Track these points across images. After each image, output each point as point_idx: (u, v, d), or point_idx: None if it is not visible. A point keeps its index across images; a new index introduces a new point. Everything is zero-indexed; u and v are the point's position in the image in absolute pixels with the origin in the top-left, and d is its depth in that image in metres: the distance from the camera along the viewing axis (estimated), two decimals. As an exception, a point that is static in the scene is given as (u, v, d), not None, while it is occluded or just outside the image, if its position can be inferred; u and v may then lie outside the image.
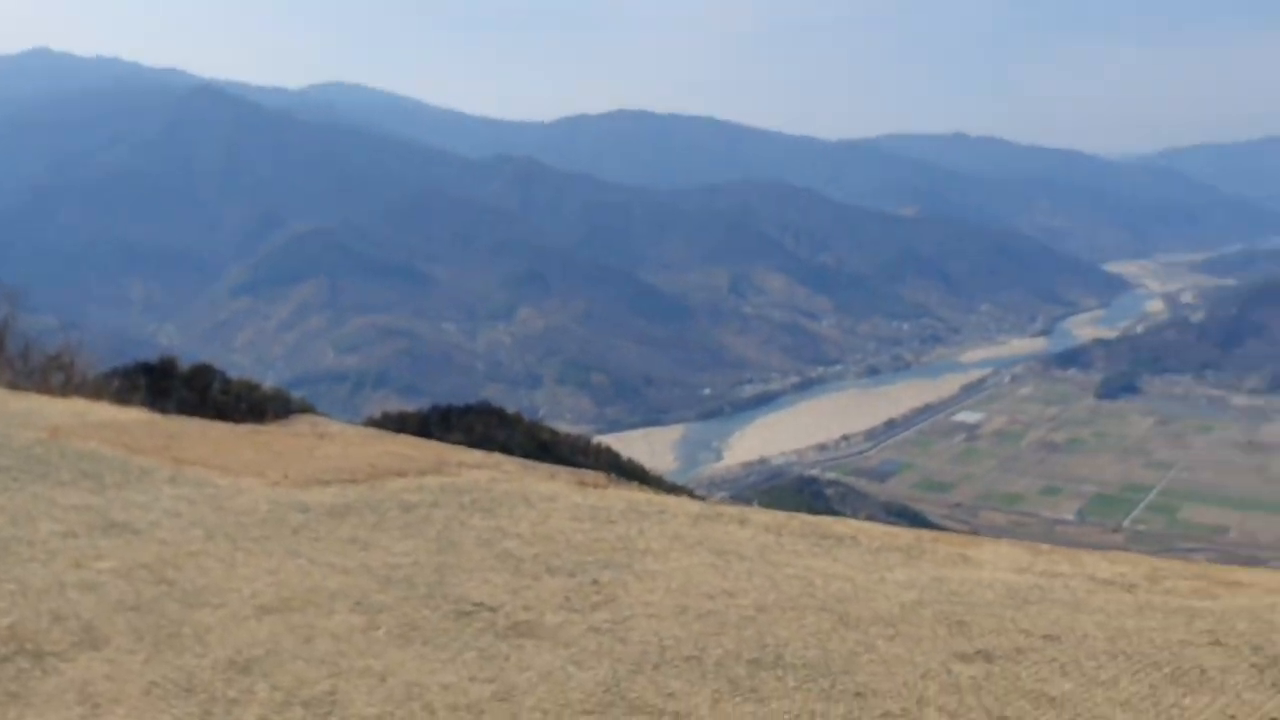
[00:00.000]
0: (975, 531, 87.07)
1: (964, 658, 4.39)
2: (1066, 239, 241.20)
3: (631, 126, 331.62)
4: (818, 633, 4.69)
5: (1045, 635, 4.68)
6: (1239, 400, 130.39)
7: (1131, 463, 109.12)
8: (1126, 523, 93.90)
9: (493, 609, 4.98)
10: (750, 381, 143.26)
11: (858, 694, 4.01)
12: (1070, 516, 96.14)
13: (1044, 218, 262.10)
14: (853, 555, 6.09)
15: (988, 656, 4.41)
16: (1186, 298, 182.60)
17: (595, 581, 5.41)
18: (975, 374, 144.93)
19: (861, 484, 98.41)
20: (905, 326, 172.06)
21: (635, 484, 9.41)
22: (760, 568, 5.73)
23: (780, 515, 7.15)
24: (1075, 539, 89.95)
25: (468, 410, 51.29)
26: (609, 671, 4.24)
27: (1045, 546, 6.87)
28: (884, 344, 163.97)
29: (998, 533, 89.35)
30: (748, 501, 74.65)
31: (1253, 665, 4.29)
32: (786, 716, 3.81)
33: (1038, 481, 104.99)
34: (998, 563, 6.08)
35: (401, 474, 8.01)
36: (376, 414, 48.85)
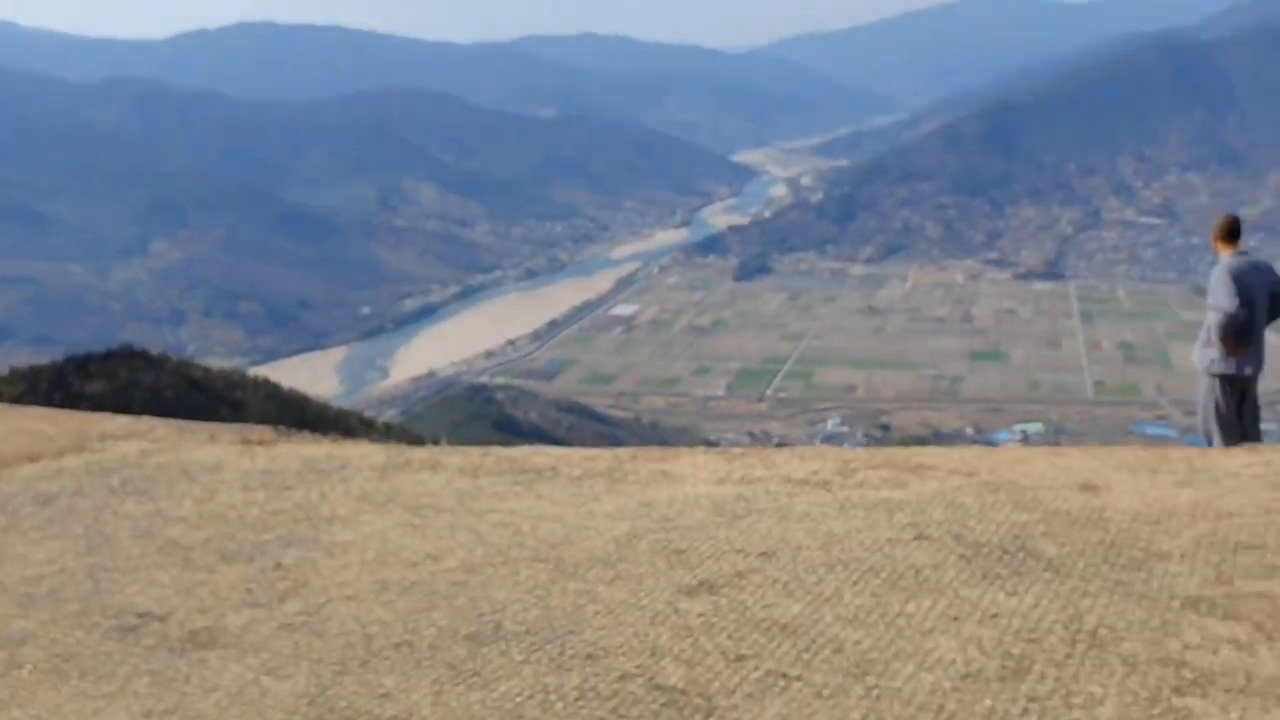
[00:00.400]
0: (638, 417, 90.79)
1: (689, 591, 4.21)
2: (696, 132, 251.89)
3: (255, 40, 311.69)
4: (536, 588, 4.35)
5: (761, 553, 4.60)
6: (857, 270, 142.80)
7: (769, 337, 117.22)
8: (769, 392, 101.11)
9: (162, 618, 4.27)
10: (410, 295, 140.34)
11: (589, 656, 3.70)
12: (720, 392, 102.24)
13: (674, 113, 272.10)
14: (556, 489, 5.79)
15: (711, 587, 4.25)
16: (806, 181, 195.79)
17: (279, 565, 4.77)
18: (626, 268, 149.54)
19: (531, 385, 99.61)
20: (558, 228, 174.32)
21: (307, 434, 8.58)
22: (462, 520, 5.29)
23: (474, 454, 6.71)
24: (726, 411, 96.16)
25: (108, 356, 47.06)
26: (310, 677, 3.68)
27: (737, 450, 6.90)
28: (539, 246, 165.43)
29: (658, 415, 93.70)
30: (419, 416, 73.64)
31: (960, 557, 4.39)
32: (518, 699, 3.45)
33: (690, 364, 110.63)
34: (698, 475, 6.02)
35: (34, 457, 6.86)
36: (3, 371, 43.56)
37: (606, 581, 4.36)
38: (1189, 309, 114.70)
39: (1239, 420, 7.62)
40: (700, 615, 3.97)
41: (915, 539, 4.67)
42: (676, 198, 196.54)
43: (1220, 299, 7.24)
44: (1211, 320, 7.39)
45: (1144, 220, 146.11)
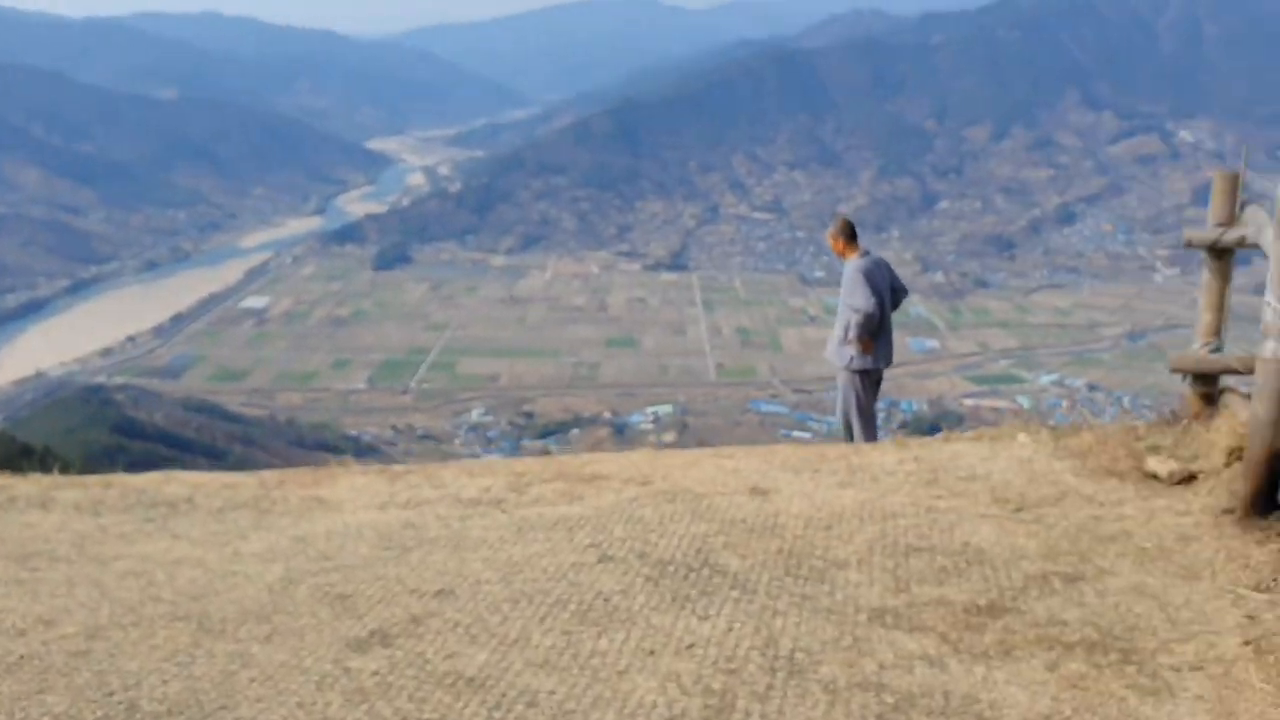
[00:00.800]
0: (273, 415, 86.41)
1: (359, 646, 3.77)
2: (329, 119, 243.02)
3: None
4: (176, 654, 3.72)
5: (438, 592, 4.23)
6: (497, 261, 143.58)
7: (412, 327, 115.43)
8: (414, 384, 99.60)
9: None
10: (12, 290, 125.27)
11: (246, 737, 3.19)
12: (362, 385, 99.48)
13: (306, 98, 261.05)
14: (195, 526, 5.09)
15: (385, 638, 3.83)
16: (444, 170, 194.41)
17: None
18: (257, 258, 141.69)
19: (155, 384, 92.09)
20: (181, 215, 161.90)
21: None
22: (83, 571, 4.49)
23: (94, 486, 5.78)
24: (368, 405, 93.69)
25: None
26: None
27: (399, 468, 6.50)
28: (160, 235, 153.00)
29: (295, 411, 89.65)
30: (25, 422, 65.90)
31: (647, 579, 4.27)
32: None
33: (329, 356, 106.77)
34: (357, 500, 5.56)
35: None
36: None
37: (261, 640, 3.82)
38: (796, 296, 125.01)
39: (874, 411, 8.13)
40: (374, 674, 3.55)
41: (600, 561, 4.52)
42: (310, 185, 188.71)
43: (858, 300, 7.65)
44: (851, 319, 7.73)
45: (757, 215, 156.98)
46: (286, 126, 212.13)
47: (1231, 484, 5.32)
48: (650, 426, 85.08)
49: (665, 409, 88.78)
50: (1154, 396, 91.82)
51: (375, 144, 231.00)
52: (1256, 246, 6.11)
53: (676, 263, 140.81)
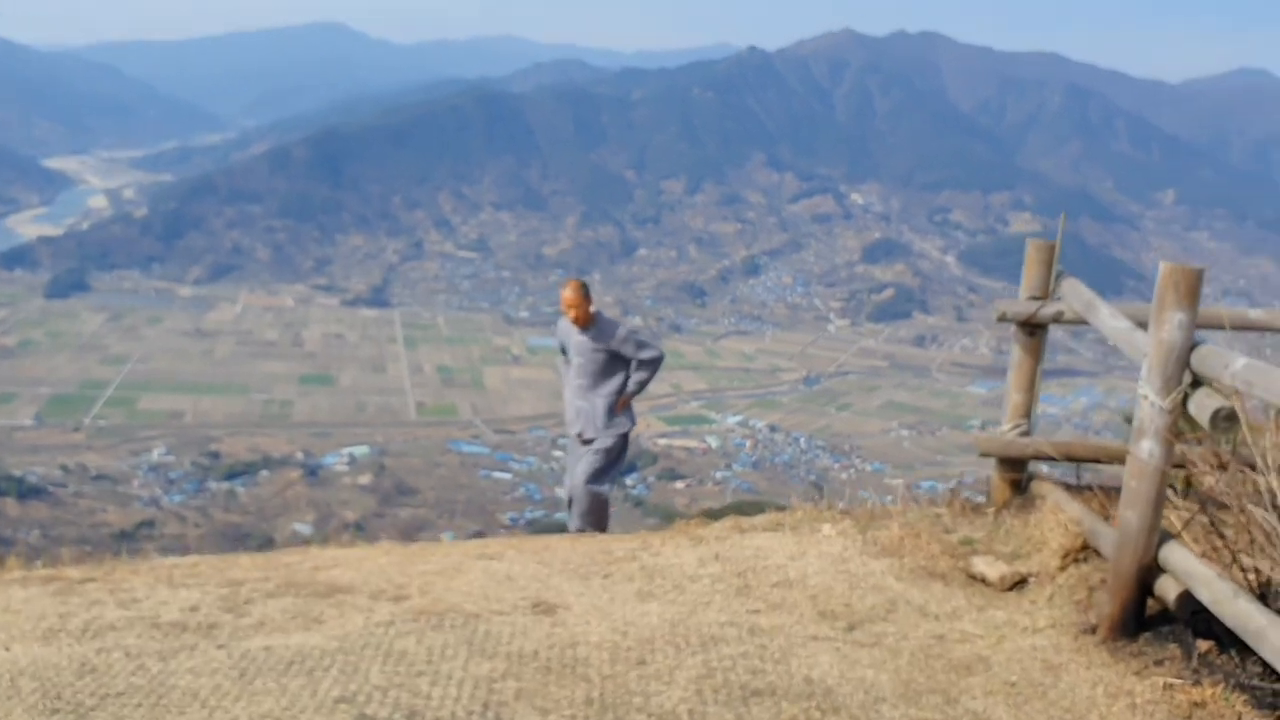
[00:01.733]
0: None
1: None
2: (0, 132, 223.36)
3: None
4: None
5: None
6: (185, 291, 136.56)
7: (88, 360, 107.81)
8: (88, 420, 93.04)
9: None
10: None
11: None
12: (29, 421, 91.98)
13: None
14: None
15: None
16: (129, 194, 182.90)
17: None
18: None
19: None
20: None
21: None
22: None
23: None
24: (36, 442, 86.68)
25: None
26: None
27: (73, 573, 5.14)
28: None
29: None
30: None
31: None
32: None
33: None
34: (12, 626, 4.30)
35: None
36: None
37: None
38: (500, 335, 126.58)
39: None
40: None
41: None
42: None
43: (650, 352, 7.48)
44: (634, 378, 7.46)
45: (462, 254, 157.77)
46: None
47: (1075, 593, 4.90)
48: (345, 468, 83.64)
49: (362, 450, 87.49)
50: (827, 438, 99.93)
51: (53, 162, 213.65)
52: (1080, 323, 5.70)
53: (378, 298, 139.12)
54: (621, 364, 7.43)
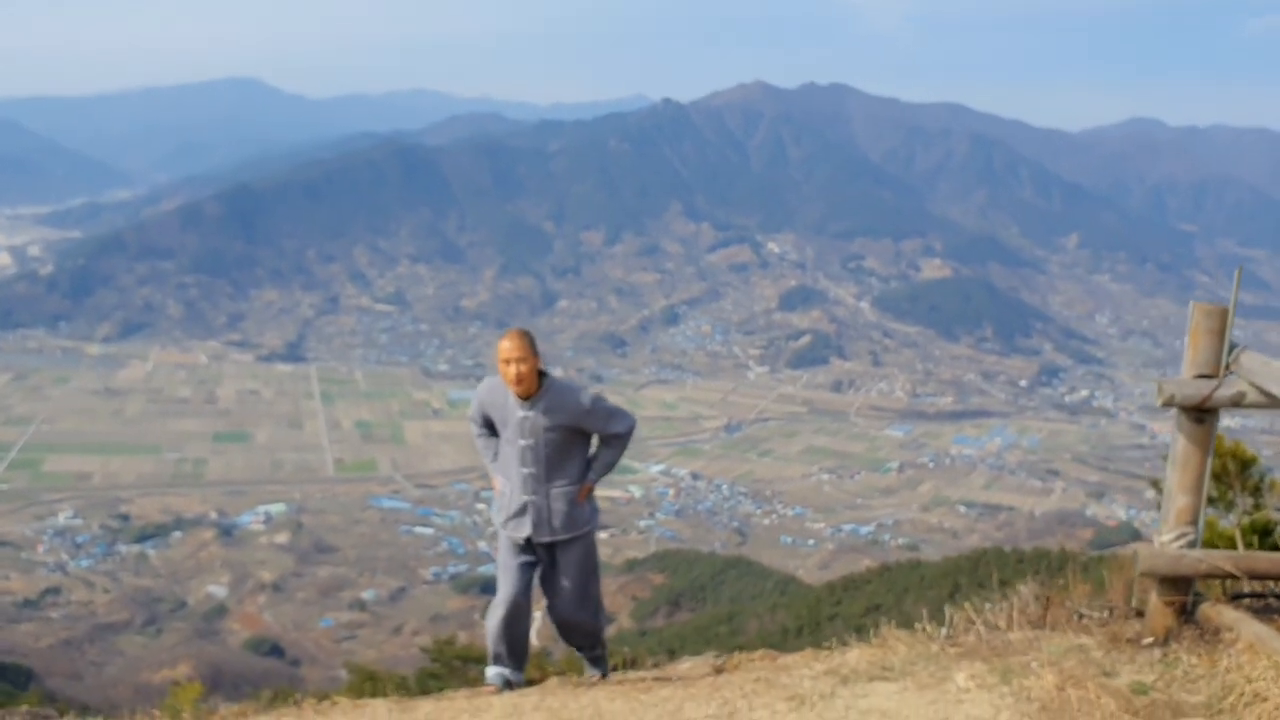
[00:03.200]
0: None
1: None
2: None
3: None
4: None
5: None
6: (94, 349, 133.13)
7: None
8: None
9: None
10: None
11: None
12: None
13: None
14: None
15: None
16: (34, 250, 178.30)
17: None
18: None
19: None
20: None
21: None
22: None
23: None
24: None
25: None
26: None
27: None
28: None
29: None
30: None
31: None
32: None
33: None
34: None
35: None
36: None
37: None
38: (419, 389, 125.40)
39: None
40: None
41: None
42: None
43: (620, 424, 5.50)
44: (610, 458, 5.58)
45: (379, 307, 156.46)
46: None
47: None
48: (262, 527, 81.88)
49: (279, 508, 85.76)
50: (749, 484, 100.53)
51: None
52: (1268, 405, 4.63)
53: (293, 353, 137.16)
54: (582, 440, 5.48)
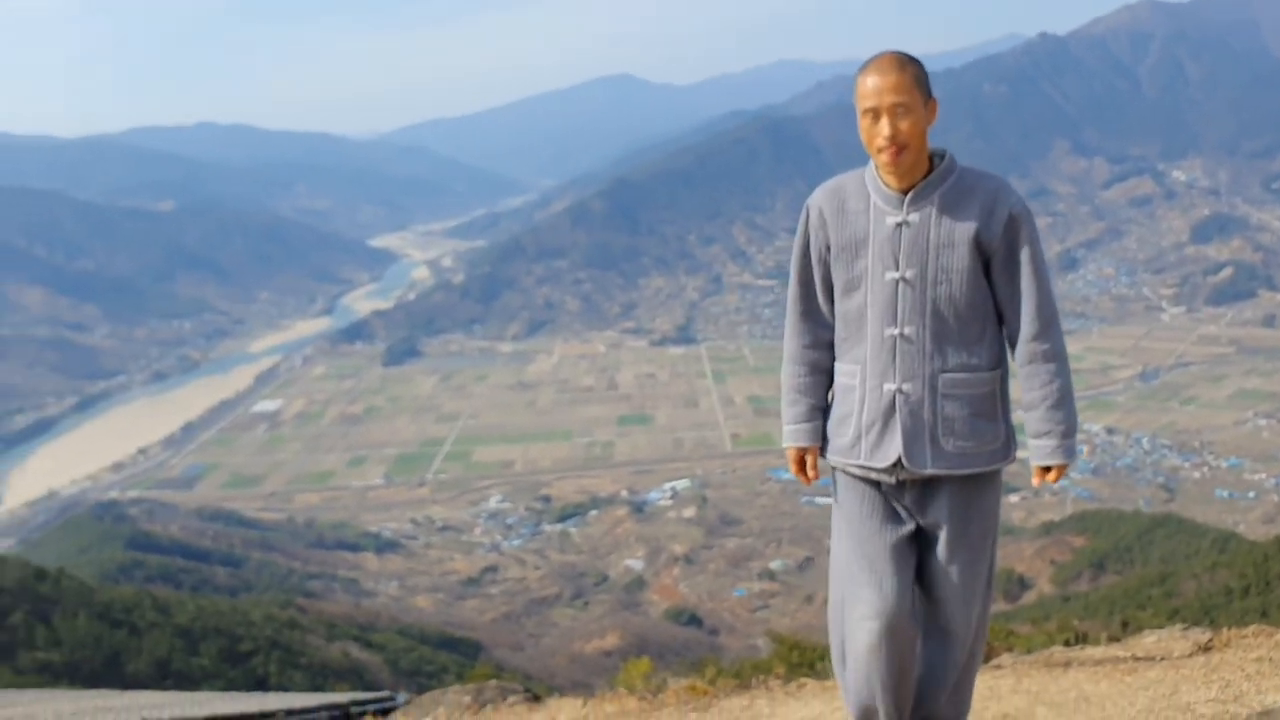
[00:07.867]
0: (290, 518, 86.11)
1: None
2: (330, 219, 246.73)
3: None
4: None
5: None
6: (505, 347, 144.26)
7: (424, 420, 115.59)
8: (430, 476, 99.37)
9: None
10: (21, 411, 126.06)
11: None
12: (379, 481, 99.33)
13: (304, 200, 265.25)
14: None
15: None
16: (447, 262, 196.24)
17: None
18: (267, 362, 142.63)
19: (167, 495, 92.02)
20: (186, 325, 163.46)
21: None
22: None
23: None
24: (386, 500, 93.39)
25: None
26: None
27: None
28: (166, 346, 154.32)
29: (313, 511, 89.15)
30: (39, 544, 65.71)
31: None
32: None
33: (345, 455, 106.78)
34: None
35: None
36: None
37: None
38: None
39: None
40: None
41: None
42: (315, 286, 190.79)
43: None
44: (1049, 346, 2.95)
45: (760, 283, 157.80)
46: (287, 229, 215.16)
47: None
48: (669, 502, 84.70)
49: (683, 484, 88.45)
50: (1173, 436, 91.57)
51: (378, 241, 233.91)
52: None
53: (683, 336, 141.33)
54: (989, 297, 2.86)
